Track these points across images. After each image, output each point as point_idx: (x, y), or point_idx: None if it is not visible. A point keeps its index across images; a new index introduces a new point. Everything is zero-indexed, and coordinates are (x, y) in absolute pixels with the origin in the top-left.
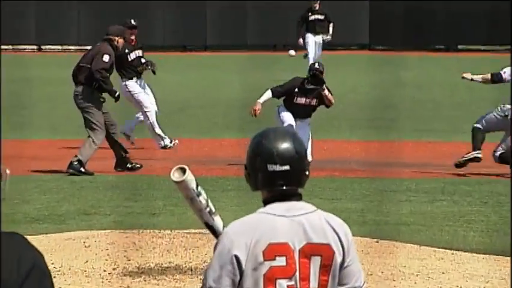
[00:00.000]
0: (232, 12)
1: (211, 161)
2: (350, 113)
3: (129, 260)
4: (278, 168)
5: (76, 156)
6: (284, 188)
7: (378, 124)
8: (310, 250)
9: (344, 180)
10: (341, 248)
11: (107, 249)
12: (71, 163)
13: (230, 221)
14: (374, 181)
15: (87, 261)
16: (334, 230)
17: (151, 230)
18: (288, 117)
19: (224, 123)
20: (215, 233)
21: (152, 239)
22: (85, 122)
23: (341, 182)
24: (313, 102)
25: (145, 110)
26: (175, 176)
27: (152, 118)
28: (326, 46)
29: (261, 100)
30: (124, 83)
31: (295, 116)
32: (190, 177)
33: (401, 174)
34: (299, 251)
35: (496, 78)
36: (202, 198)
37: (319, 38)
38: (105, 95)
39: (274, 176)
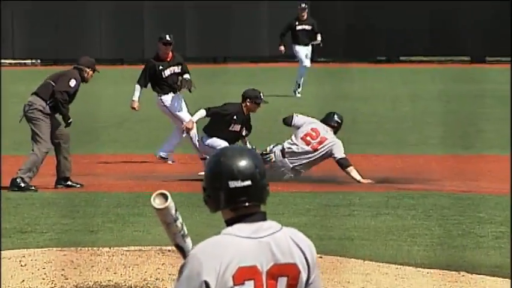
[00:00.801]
0: (171, 24)
1: (151, 176)
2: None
3: (67, 279)
4: (240, 184)
5: (17, 173)
6: (247, 204)
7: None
8: (277, 271)
9: (287, 194)
10: (306, 266)
11: (44, 268)
12: (12, 181)
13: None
14: (318, 195)
15: (23, 281)
16: (300, 248)
17: (89, 248)
18: (219, 141)
19: (164, 138)
20: (184, 254)
21: (90, 256)
22: (31, 134)
23: (283, 196)
24: (244, 131)
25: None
26: (157, 202)
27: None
28: (268, 59)
29: (195, 119)
30: (159, 97)
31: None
32: (171, 204)
33: (344, 188)
34: (266, 272)
35: (285, 122)
36: (179, 223)
37: (308, 49)
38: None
39: (236, 193)
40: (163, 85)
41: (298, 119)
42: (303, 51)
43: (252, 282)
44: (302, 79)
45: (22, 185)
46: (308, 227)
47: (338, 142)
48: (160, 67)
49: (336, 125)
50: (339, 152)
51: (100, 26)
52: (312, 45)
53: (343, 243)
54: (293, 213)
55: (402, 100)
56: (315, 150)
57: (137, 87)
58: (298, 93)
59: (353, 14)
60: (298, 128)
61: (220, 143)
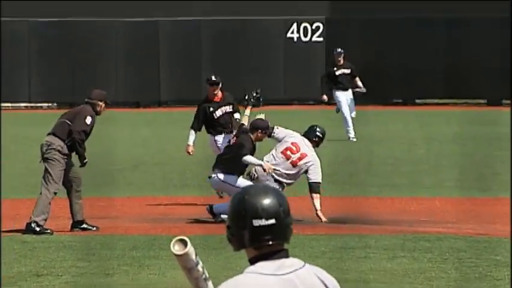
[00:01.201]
0: (187, 67)
1: (166, 219)
2: None
3: None
4: (264, 222)
5: (31, 217)
6: (271, 243)
7: (336, 179)
8: None
9: (302, 237)
10: None
11: None
12: (27, 225)
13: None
14: (333, 238)
15: None
16: (325, 286)
17: None
18: (240, 179)
19: (180, 181)
20: None
21: None
22: (44, 174)
23: (298, 239)
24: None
25: None
26: (176, 249)
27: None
28: (282, 102)
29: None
30: (213, 138)
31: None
32: (191, 249)
33: (360, 231)
34: None
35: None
36: (200, 267)
37: (349, 94)
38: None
39: (260, 231)
40: (215, 126)
41: (278, 131)
42: (344, 98)
43: None
44: (347, 128)
45: (37, 229)
46: (324, 270)
47: (316, 162)
48: (211, 108)
49: (317, 139)
50: (315, 175)
51: (116, 69)
52: (354, 92)
53: (359, 286)
54: (309, 256)
55: (418, 142)
56: (295, 165)
57: (192, 131)
58: (353, 137)
59: (369, 56)
60: (279, 141)
61: (241, 182)
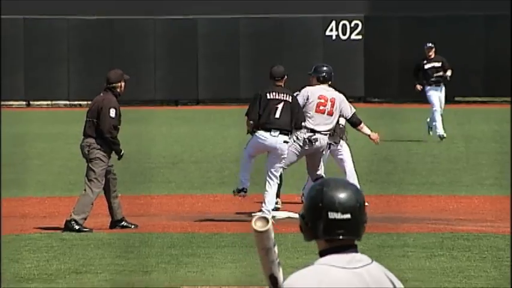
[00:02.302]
0: (225, 64)
1: (204, 216)
2: None
3: None
4: (339, 216)
5: (71, 215)
6: (342, 237)
7: (374, 178)
8: None
9: None
10: None
11: None
12: (66, 223)
13: (227, 277)
14: (371, 236)
15: None
16: (393, 284)
17: None
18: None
19: (217, 179)
20: (277, 286)
21: None
22: (86, 172)
23: None
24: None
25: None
26: (258, 225)
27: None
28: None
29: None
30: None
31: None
32: (271, 227)
33: (399, 229)
34: None
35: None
36: (276, 249)
37: (441, 92)
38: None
39: (335, 225)
40: None
41: (300, 98)
42: (436, 96)
43: None
44: (434, 124)
45: (76, 227)
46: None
47: (342, 97)
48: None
49: (326, 75)
50: (348, 110)
51: (155, 67)
52: (444, 81)
53: None
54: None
55: (457, 140)
56: (331, 114)
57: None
58: (443, 134)
59: (407, 54)
60: (306, 105)
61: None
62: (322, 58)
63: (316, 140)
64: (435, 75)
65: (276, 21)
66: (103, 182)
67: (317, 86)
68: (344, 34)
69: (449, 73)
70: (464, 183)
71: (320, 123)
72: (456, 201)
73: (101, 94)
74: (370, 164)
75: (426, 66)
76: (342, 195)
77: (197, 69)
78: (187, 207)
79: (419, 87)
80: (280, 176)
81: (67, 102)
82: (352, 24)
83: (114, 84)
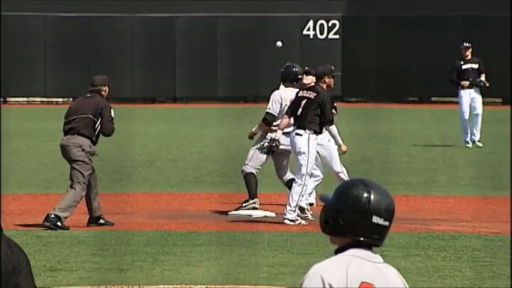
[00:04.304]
0: (203, 63)
1: (180, 215)
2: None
3: None
4: (381, 222)
5: (55, 210)
6: (377, 243)
7: (351, 177)
8: None
9: (316, 234)
10: None
11: None
12: (48, 216)
13: (203, 276)
14: None
15: None
16: (404, 285)
17: (119, 286)
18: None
19: (194, 177)
20: None
21: None
22: (72, 173)
23: (313, 236)
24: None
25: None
26: None
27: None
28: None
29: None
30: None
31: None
32: None
33: None
34: None
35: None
36: None
37: (474, 93)
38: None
39: (375, 229)
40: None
41: (277, 104)
42: (466, 98)
43: None
44: (472, 129)
45: (59, 224)
46: None
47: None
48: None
49: (296, 77)
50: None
51: (132, 65)
52: (479, 85)
53: None
54: (323, 254)
55: (433, 140)
56: None
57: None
58: (478, 142)
59: (385, 54)
60: (281, 110)
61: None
62: (299, 57)
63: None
64: (477, 80)
65: (254, 20)
66: (86, 184)
67: (287, 89)
68: (322, 34)
69: (483, 78)
70: (440, 183)
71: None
72: (432, 201)
73: (89, 95)
74: (347, 163)
75: (463, 67)
76: (386, 202)
77: (174, 67)
78: (163, 206)
79: (465, 83)
80: (255, 175)
81: (44, 99)
82: (330, 24)
83: (99, 87)
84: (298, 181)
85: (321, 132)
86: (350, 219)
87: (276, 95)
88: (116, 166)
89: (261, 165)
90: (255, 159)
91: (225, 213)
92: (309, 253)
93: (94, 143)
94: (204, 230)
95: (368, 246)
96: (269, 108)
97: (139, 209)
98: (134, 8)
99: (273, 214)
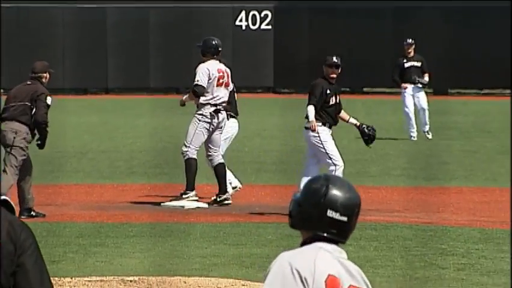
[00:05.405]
0: (135, 53)
1: (113, 206)
2: (255, 156)
3: None
4: (337, 216)
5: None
6: (332, 237)
7: (284, 168)
8: None
9: (249, 225)
10: None
11: None
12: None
13: (135, 267)
14: (280, 226)
15: None
16: (363, 279)
17: (51, 278)
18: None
19: (126, 168)
20: None
21: None
22: (5, 158)
23: (246, 227)
24: (338, 99)
25: None
26: None
27: None
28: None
29: (312, 117)
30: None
31: (331, 122)
32: None
33: None
34: None
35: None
36: None
37: (417, 91)
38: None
39: (331, 223)
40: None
41: (204, 76)
42: (409, 96)
43: None
44: (422, 122)
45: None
46: (271, 258)
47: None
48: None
49: (217, 49)
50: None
51: (64, 56)
52: (419, 84)
53: None
54: (255, 244)
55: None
56: (228, 85)
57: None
58: (427, 133)
59: (317, 45)
60: (210, 81)
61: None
62: (231, 48)
63: (220, 113)
64: (417, 79)
65: (186, 11)
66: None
67: (210, 61)
68: (254, 24)
69: (426, 79)
70: (372, 173)
71: (222, 96)
72: (364, 191)
73: (29, 82)
74: (280, 154)
75: (405, 65)
76: (345, 197)
77: (106, 58)
78: (95, 197)
79: (404, 85)
80: (196, 161)
81: None
82: (262, 15)
83: (40, 74)
84: (337, 168)
85: (327, 124)
86: (307, 212)
87: (202, 67)
88: (48, 157)
89: (200, 145)
90: (196, 140)
91: (158, 204)
92: (241, 244)
93: (32, 130)
94: (136, 221)
95: (332, 241)
96: (197, 80)
97: (71, 200)
98: None
99: (205, 205)
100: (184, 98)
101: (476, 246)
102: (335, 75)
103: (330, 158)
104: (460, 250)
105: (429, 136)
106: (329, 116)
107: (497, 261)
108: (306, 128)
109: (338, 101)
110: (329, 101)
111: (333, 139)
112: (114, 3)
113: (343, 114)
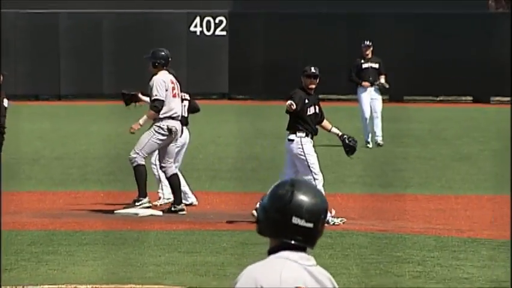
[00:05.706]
0: (88, 60)
1: (65, 214)
2: (210, 163)
3: None
4: (303, 223)
5: None
6: (299, 244)
7: (239, 175)
8: None
9: (204, 232)
10: None
11: None
12: None
13: (89, 275)
14: (234, 234)
15: None
16: (333, 285)
17: (3, 287)
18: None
19: (79, 175)
20: None
21: None
22: None
23: (200, 234)
24: (317, 109)
25: None
26: None
27: None
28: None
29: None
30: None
31: (311, 131)
32: None
33: None
34: None
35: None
36: None
37: (373, 92)
38: None
39: (296, 230)
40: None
41: (162, 89)
42: (366, 98)
43: None
44: (373, 130)
45: None
46: (225, 266)
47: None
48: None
49: (166, 60)
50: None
51: (16, 61)
52: (377, 86)
53: None
54: (210, 252)
55: (320, 138)
56: (180, 96)
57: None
58: (380, 141)
59: (272, 51)
60: (167, 94)
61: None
62: (186, 54)
63: (175, 128)
64: (378, 82)
65: (140, 17)
66: None
67: (163, 72)
68: (209, 30)
69: (383, 81)
70: (327, 180)
71: (178, 108)
72: None
73: None
74: (235, 161)
75: (363, 66)
76: (311, 203)
77: (59, 64)
78: (48, 204)
79: (365, 83)
80: (145, 167)
81: None
82: (216, 21)
83: None
84: (316, 181)
85: (308, 134)
86: (272, 218)
87: (158, 80)
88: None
89: (148, 153)
90: (147, 149)
91: (111, 211)
92: (196, 252)
93: None
94: (89, 229)
95: (300, 248)
96: (155, 95)
97: (23, 208)
98: (18, 3)
99: (159, 213)
100: (141, 121)
101: (432, 254)
102: (313, 86)
103: (311, 171)
104: (416, 258)
105: (381, 142)
106: (308, 125)
107: (452, 269)
108: (290, 139)
109: (317, 111)
110: (307, 111)
111: (315, 151)
112: (67, 8)
113: (325, 123)
